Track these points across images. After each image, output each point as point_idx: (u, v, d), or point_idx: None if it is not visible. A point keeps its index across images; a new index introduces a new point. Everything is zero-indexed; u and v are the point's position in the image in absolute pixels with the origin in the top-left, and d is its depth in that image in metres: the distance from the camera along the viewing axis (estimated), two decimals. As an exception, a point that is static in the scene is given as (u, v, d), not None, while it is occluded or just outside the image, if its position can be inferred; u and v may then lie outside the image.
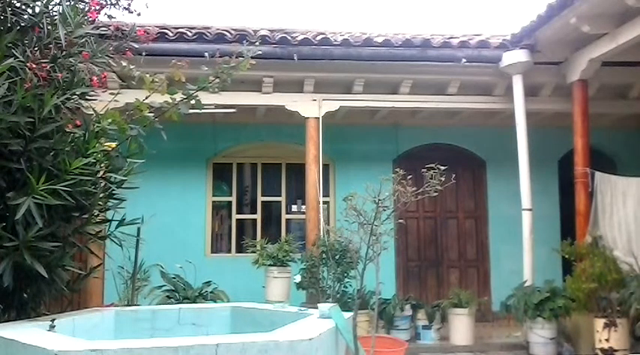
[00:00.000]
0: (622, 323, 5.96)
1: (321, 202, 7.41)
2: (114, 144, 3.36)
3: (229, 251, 8.67)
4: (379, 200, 5.26)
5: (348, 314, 3.18)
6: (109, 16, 3.50)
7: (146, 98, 3.51)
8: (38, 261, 2.78)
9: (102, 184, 3.30)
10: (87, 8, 3.25)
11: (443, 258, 9.02)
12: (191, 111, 3.59)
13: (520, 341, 7.05)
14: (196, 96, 3.55)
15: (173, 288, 6.24)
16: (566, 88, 7.30)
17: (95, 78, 3.25)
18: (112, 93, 3.56)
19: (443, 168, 5.27)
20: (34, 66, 2.83)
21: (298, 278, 6.75)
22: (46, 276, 2.82)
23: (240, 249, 8.42)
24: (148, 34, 3.70)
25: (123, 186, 3.37)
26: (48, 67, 2.91)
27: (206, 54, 3.95)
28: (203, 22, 7.53)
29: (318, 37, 7.14)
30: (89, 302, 6.30)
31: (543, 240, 7.48)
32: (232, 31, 7.06)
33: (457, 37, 7.63)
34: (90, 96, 3.33)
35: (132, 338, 2.65)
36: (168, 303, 5.86)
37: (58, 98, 2.91)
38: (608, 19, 6.10)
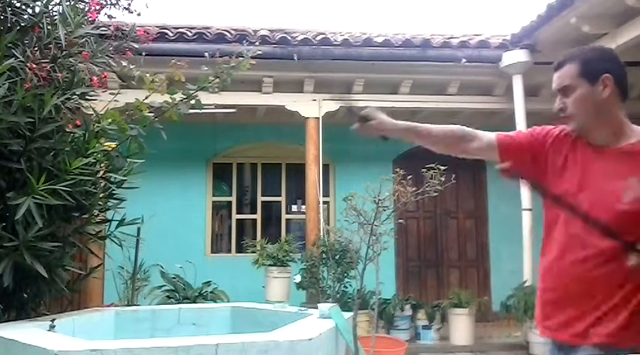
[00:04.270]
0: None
1: (321, 202, 7.40)
2: (114, 144, 3.36)
3: (229, 251, 8.66)
4: (379, 200, 5.27)
5: (348, 314, 3.18)
6: (109, 16, 3.50)
7: (146, 98, 3.51)
8: (38, 261, 2.77)
9: (102, 184, 3.30)
10: (87, 8, 3.25)
11: (443, 258, 9.02)
12: (191, 111, 3.58)
13: (520, 341, 7.05)
14: (196, 96, 3.55)
15: (173, 288, 6.23)
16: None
17: (95, 78, 3.25)
18: (112, 93, 3.55)
19: (443, 168, 5.28)
20: (34, 66, 2.83)
21: (298, 278, 6.74)
22: (46, 276, 2.82)
23: (240, 249, 8.41)
24: (147, 34, 3.69)
25: (123, 186, 3.37)
26: (48, 67, 2.90)
27: (206, 54, 3.95)
28: (203, 22, 7.54)
29: (318, 37, 7.14)
30: (89, 302, 6.30)
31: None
32: (232, 31, 7.06)
33: (457, 37, 7.62)
34: (90, 96, 3.33)
35: (132, 338, 2.65)
36: (168, 303, 5.86)
37: (58, 98, 2.91)
38: (608, 19, 6.10)
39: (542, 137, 1.97)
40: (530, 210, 6.90)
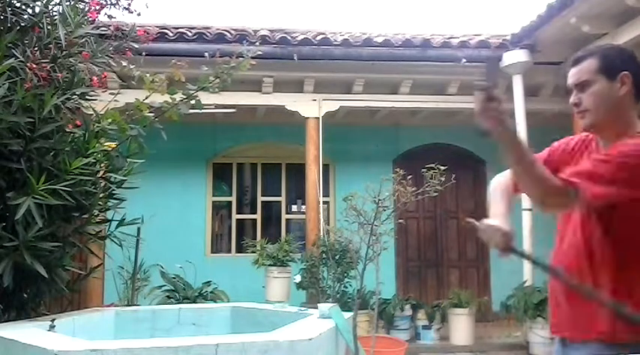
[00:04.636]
0: (622, 323, 5.95)
1: (321, 202, 7.41)
2: (114, 144, 3.36)
3: (229, 251, 8.66)
4: (379, 200, 5.27)
5: (348, 314, 3.18)
6: (109, 16, 3.50)
7: (146, 98, 3.51)
8: (38, 261, 2.77)
9: (102, 184, 3.30)
10: (87, 8, 3.25)
11: (443, 258, 9.02)
12: (191, 111, 3.58)
13: (520, 341, 7.05)
14: (196, 96, 3.55)
15: (173, 288, 6.23)
16: (566, 88, 7.29)
17: (95, 78, 3.25)
18: (112, 93, 3.55)
19: (443, 168, 5.28)
20: (34, 66, 2.83)
21: (298, 278, 6.74)
22: (46, 276, 2.82)
23: (240, 249, 8.41)
24: (147, 34, 3.69)
25: (123, 186, 3.37)
26: (48, 67, 2.90)
27: (206, 54, 3.95)
28: (203, 22, 7.53)
29: (318, 37, 7.14)
30: (89, 302, 6.30)
31: (543, 240, 7.47)
32: (232, 31, 7.06)
33: (457, 37, 7.62)
34: (90, 96, 3.33)
35: (132, 338, 2.65)
36: (168, 303, 5.86)
37: (58, 98, 2.91)
38: (608, 19, 6.10)
39: (559, 155, 2.01)
40: (530, 210, 6.90)
